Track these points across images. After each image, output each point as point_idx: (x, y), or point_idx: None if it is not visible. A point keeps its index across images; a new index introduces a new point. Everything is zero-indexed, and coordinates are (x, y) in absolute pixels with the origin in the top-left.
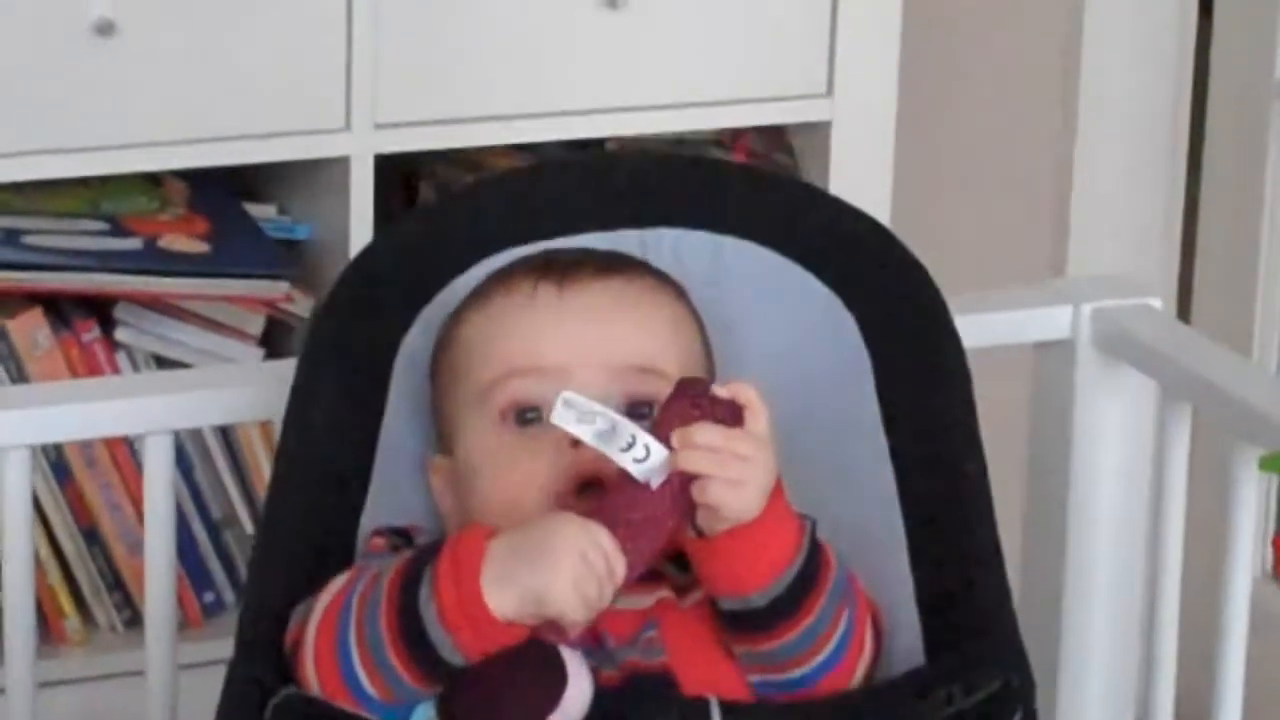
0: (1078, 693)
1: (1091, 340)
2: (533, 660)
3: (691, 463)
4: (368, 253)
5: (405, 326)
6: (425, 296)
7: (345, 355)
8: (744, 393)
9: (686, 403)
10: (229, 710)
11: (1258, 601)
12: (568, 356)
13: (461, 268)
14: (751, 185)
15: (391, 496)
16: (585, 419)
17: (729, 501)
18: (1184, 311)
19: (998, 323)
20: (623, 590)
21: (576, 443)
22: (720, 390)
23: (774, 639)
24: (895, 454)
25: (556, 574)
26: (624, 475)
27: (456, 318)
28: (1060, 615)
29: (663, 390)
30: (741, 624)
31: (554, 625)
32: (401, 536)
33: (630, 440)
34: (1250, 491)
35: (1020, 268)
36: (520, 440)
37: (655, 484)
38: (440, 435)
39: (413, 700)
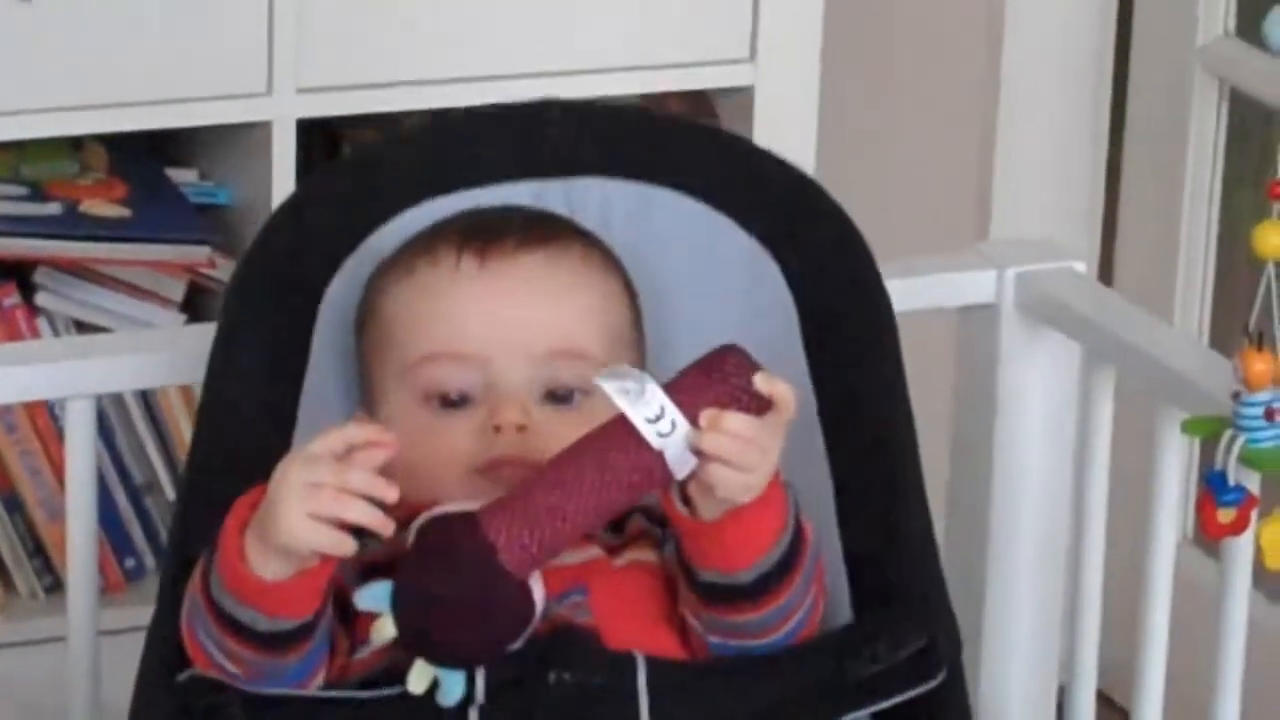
0: (1001, 657)
1: (1015, 304)
2: (506, 593)
3: (716, 447)
4: (290, 203)
5: (328, 277)
6: (348, 246)
7: (268, 306)
8: (783, 393)
9: (726, 388)
10: (148, 672)
11: (1181, 565)
12: (489, 344)
13: (385, 217)
14: (677, 135)
15: None
16: (617, 377)
17: (732, 486)
18: (1106, 276)
19: (922, 287)
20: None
21: (499, 428)
22: (760, 384)
23: (751, 612)
24: (823, 410)
25: (287, 518)
26: (631, 435)
27: (380, 285)
28: (984, 581)
29: (586, 374)
30: (719, 596)
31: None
32: None
33: (659, 411)
34: (1174, 455)
35: (944, 233)
36: (441, 422)
37: (674, 462)
38: (364, 394)
39: (287, 669)
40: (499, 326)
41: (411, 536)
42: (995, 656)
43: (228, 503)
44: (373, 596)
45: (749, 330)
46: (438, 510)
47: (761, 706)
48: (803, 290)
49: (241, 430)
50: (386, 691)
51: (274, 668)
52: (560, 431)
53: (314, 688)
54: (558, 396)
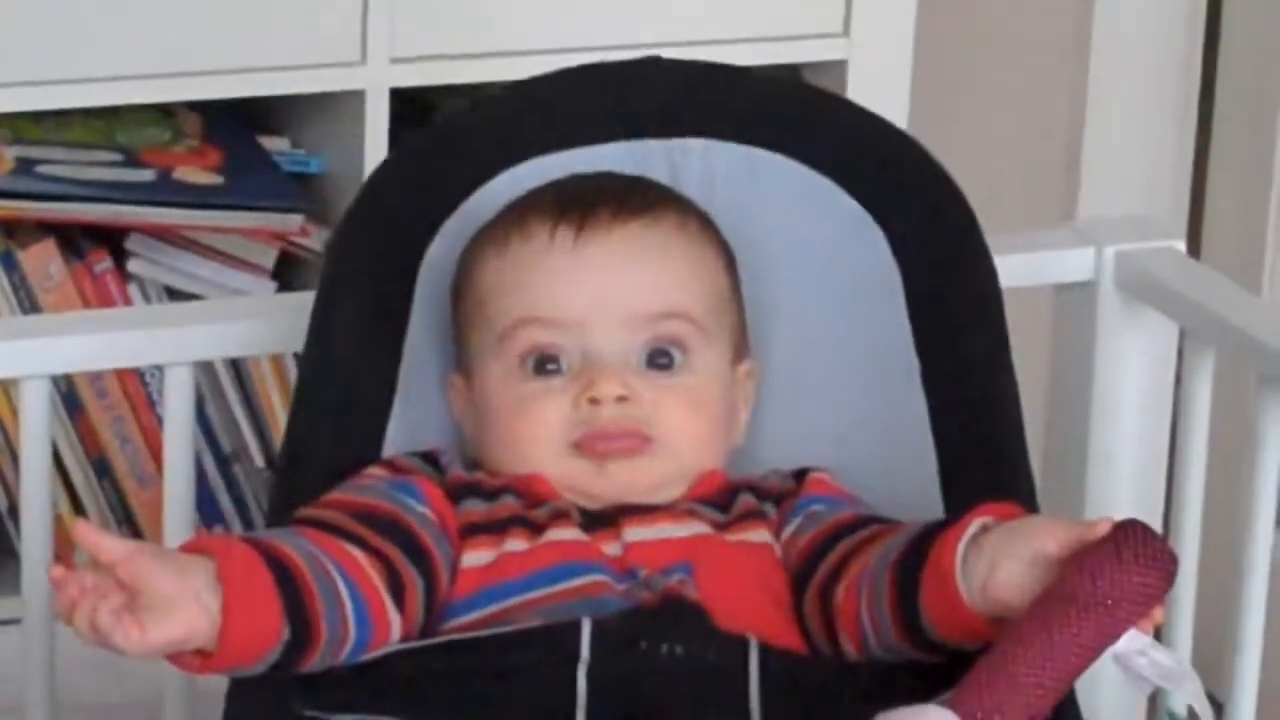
0: None
1: (1114, 282)
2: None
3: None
4: (389, 164)
5: (428, 238)
6: (447, 207)
7: (368, 269)
8: None
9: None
10: None
11: (1277, 549)
12: (586, 310)
13: (484, 177)
14: (781, 97)
15: (417, 413)
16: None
17: None
18: (1194, 248)
19: (1019, 264)
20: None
21: (596, 400)
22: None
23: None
24: (926, 374)
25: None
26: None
27: (474, 256)
28: None
29: (686, 332)
30: (933, 649)
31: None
32: (426, 460)
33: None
34: (1274, 437)
35: (1033, 207)
36: (536, 389)
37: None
38: (460, 358)
39: (338, 656)
40: (594, 294)
41: None
42: None
43: (329, 462)
44: None
45: (852, 294)
46: None
47: (874, 694)
48: (907, 255)
49: (343, 389)
50: (490, 632)
51: (324, 662)
52: (660, 400)
53: (393, 642)
54: (658, 362)
